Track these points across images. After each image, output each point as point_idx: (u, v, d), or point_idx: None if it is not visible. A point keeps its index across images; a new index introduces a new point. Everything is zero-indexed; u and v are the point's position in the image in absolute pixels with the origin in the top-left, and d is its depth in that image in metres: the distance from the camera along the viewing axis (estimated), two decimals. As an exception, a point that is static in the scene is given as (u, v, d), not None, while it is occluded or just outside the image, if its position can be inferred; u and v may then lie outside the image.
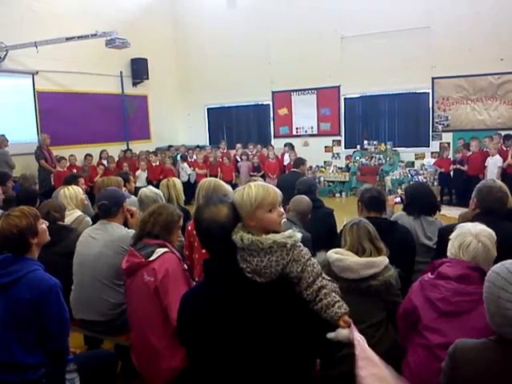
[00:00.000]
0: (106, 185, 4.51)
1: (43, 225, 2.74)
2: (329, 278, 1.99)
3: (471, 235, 2.31)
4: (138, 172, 11.08)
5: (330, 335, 1.91)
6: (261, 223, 1.89)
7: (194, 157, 12.36)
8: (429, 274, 2.42)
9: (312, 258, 1.93)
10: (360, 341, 1.94)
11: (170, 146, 13.22)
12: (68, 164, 10.30)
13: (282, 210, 1.95)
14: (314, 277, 1.89)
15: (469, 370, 1.77)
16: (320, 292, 1.89)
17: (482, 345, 1.81)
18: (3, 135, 9.24)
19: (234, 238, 1.87)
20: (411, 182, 11.06)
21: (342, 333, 1.90)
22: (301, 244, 1.92)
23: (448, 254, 2.39)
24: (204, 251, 3.21)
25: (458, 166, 10.30)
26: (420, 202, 3.77)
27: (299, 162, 7.59)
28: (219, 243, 1.92)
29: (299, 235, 1.91)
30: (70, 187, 4.74)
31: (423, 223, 3.71)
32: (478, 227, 2.35)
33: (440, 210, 3.94)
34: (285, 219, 1.97)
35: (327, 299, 1.89)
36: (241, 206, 1.90)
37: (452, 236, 2.41)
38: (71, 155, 10.64)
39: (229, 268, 1.89)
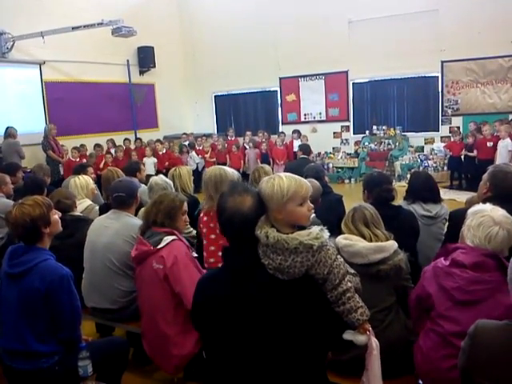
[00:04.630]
0: (113, 177, 4.53)
1: (56, 215, 2.75)
2: (352, 272, 1.96)
3: (495, 224, 2.24)
4: (145, 159, 11.09)
5: (348, 336, 1.92)
6: (290, 216, 1.83)
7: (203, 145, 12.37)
8: (442, 259, 2.37)
9: (338, 258, 1.88)
10: (373, 351, 1.95)
11: (185, 134, 13.12)
12: (79, 154, 10.34)
13: (311, 204, 1.89)
14: (340, 278, 1.84)
15: (488, 350, 1.76)
16: (344, 295, 1.85)
17: (503, 326, 1.79)
18: (13, 127, 9.32)
19: (258, 234, 1.81)
20: (420, 168, 11.00)
21: (359, 338, 1.92)
22: (328, 243, 1.85)
23: (468, 242, 2.30)
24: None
25: (467, 153, 10.19)
26: (419, 194, 3.77)
27: (307, 148, 7.55)
28: (241, 234, 1.86)
29: (326, 235, 1.85)
30: (80, 177, 4.77)
31: (422, 204, 3.73)
32: (498, 213, 2.28)
33: (441, 201, 3.89)
34: (313, 215, 1.91)
35: (350, 304, 1.87)
36: (271, 197, 1.81)
37: (472, 223, 2.31)
38: (82, 145, 10.68)
39: (249, 260, 1.85)
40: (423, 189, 3.78)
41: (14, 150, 9.10)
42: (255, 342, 1.81)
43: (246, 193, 1.86)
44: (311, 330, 1.81)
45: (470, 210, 2.39)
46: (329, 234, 1.88)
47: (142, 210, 3.49)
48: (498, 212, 2.29)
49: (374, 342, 1.95)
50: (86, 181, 4.69)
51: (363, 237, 2.65)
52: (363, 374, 2.02)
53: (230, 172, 3.67)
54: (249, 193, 1.87)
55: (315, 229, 1.84)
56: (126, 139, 12.01)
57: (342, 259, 1.91)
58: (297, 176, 1.90)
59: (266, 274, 1.81)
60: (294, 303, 1.79)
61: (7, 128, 9.27)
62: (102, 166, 10.14)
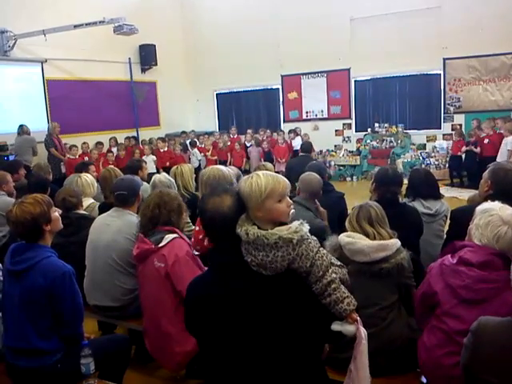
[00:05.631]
0: (110, 176, 4.53)
1: (56, 212, 2.76)
2: (338, 263, 1.96)
3: (504, 224, 2.20)
4: (144, 157, 11.05)
5: (336, 328, 1.92)
6: (269, 214, 1.84)
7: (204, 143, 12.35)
8: (449, 257, 2.35)
9: (321, 250, 1.89)
10: (362, 341, 1.95)
11: (183, 132, 13.13)
12: (80, 152, 10.35)
13: (290, 200, 1.91)
14: (324, 270, 1.86)
15: (491, 347, 1.76)
16: (329, 286, 1.86)
17: (506, 323, 1.79)
18: (25, 125, 9.47)
19: (238, 232, 1.83)
20: (422, 165, 10.97)
21: (348, 329, 1.92)
22: (308, 236, 1.87)
23: (476, 241, 2.28)
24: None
25: (471, 148, 10.09)
26: (420, 190, 3.77)
27: (308, 146, 7.54)
28: (222, 234, 1.89)
29: (306, 228, 1.86)
30: (86, 175, 4.79)
31: (422, 201, 3.73)
32: (508, 212, 2.24)
33: (441, 197, 3.88)
34: (293, 210, 1.92)
35: (336, 295, 1.87)
36: (249, 195, 1.84)
37: (480, 222, 2.28)
38: (84, 143, 10.68)
39: (233, 259, 1.87)
40: (423, 184, 3.77)
41: (30, 145, 9.36)
42: (247, 340, 1.82)
43: (225, 193, 1.91)
44: (300, 324, 1.82)
45: (478, 208, 2.36)
46: (308, 227, 1.88)
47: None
48: (506, 211, 2.25)
49: (363, 332, 1.95)
50: (91, 179, 4.72)
51: (367, 235, 2.64)
52: (351, 363, 2.02)
53: (227, 172, 3.67)
54: (228, 193, 1.91)
55: (295, 223, 1.86)
56: (126, 138, 12.00)
57: (324, 251, 1.92)
58: (274, 173, 1.93)
59: (250, 271, 1.83)
60: (279, 298, 1.81)
61: (21, 125, 9.46)
62: (101, 164, 10.06)
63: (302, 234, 1.83)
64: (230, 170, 3.75)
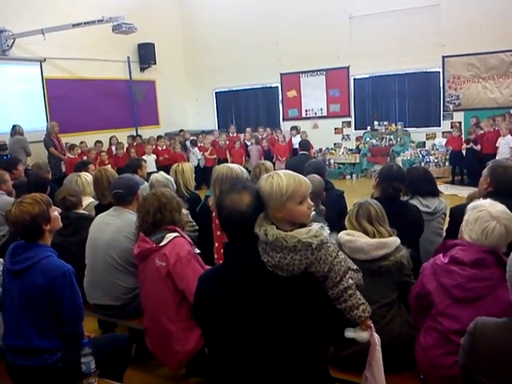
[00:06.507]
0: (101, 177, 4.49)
1: (55, 212, 2.76)
2: (355, 268, 1.95)
3: (493, 219, 2.20)
4: (145, 156, 11.06)
5: (349, 334, 1.92)
6: (289, 215, 1.80)
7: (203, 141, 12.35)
8: (441, 256, 2.35)
9: (340, 254, 1.86)
10: (376, 347, 1.96)
11: (181, 131, 13.15)
12: (79, 151, 10.33)
13: (311, 202, 1.86)
14: (341, 276, 1.83)
15: (487, 348, 1.76)
16: (345, 292, 1.85)
17: (502, 324, 1.80)
18: (19, 125, 9.41)
19: (257, 232, 1.80)
20: (422, 163, 10.98)
21: (361, 335, 1.92)
22: (328, 240, 1.83)
23: (466, 237, 2.28)
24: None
25: (472, 145, 10.09)
26: (419, 186, 3.76)
27: (306, 144, 7.55)
28: (239, 231, 1.86)
29: (326, 233, 1.83)
30: (86, 174, 4.78)
31: (420, 199, 3.72)
32: (497, 208, 2.24)
33: (439, 195, 3.88)
34: (314, 212, 1.88)
35: (352, 301, 1.86)
36: (270, 196, 1.79)
37: (469, 219, 2.28)
38: (81, 142, 10.66)
39: (249, 257, 1.85)
40: (422, 181, 3.77)
41: (22, 146, 9.24)
42: (255, 338, 1.81)
43: (245, 190, 1.85)
44: (311, 327, 1.81)
45: (469, 206, 2.36)
46: (329, 231, 1.86)
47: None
48: (496, 207, 2.25)
49: (376, 338, 1.96)
50: (91, 178, 4.71)
51: (366, 233, 2.64)
52: (366, 369, 2.02)
53: (238, 169, 3.66)
54: (247, 190, 1.85)
55: (315, 226, 1.82)
56: (130, 136, 11.98)
57: (343, 256, 1.89)
58: (296, 174, 1.87)
59: (266, 271, 1.80)
60: (293, 300, 1.79)
61: (14, 126, 9.40)
62: (97, 164, 10.01)
63: (321, 239, 1.79)
64: (242, 168, 3.76)
